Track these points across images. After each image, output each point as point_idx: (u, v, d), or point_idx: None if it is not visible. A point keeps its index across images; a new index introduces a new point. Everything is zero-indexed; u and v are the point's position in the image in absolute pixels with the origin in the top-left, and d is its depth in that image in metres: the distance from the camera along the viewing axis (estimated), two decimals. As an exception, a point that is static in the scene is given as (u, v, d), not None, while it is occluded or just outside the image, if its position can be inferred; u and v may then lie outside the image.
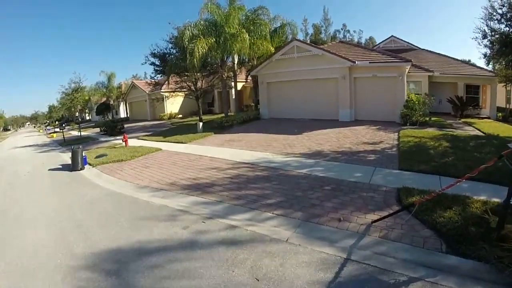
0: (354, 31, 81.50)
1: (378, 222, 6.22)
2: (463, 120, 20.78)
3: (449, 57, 28.39)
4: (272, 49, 25.01)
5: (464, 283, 4.65)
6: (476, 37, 18.00)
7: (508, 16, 16.36)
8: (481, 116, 23.60)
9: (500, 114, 24.43)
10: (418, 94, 20.74)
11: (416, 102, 18.46)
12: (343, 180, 8.93)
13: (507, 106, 26.91)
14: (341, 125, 18.84)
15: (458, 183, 5.83)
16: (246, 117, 24.52)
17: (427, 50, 30.41)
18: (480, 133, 15.62)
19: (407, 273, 4.80)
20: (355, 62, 20.19)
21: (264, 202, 7.75)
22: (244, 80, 35.42)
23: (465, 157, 10.30)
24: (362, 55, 21.88)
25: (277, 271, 4.93)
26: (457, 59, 28.16)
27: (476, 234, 5.70)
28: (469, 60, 30.92)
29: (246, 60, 29.44)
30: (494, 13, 16.82)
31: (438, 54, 29.24)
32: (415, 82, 24.02)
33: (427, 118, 18.38)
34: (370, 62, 20.23)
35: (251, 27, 24.99)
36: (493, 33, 17.25)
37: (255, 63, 27.51)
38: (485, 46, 17.94)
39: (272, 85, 24.90)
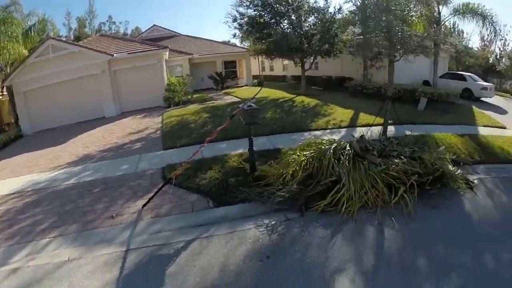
0: (120, 23, 77.65)
1: (148, 205, 6.37)
2: (224, 91, 23.61)
3: (208, 39, 31.34)
4: (25, 52, 21.64)
5: (236, 224, 5.32)
6: (227, 21, 20.83)
7: (255, 2, 19.56)
8: (240, 85, 27.71)
9: (255, 80, 29.39)
10: (178, 76, 22.23)
11: (177, 84, 19.84)
12: (111, 177, 8.69)
13: (261, 74, 33.28)
14: (107, 121, 18.18)
15: (202, 148, 6.52)
16: (7, 139, 20.36)
17: (188, 36, 32.59)
18: (237, 99, 17.83)
19: (183, 238, 5.12)
20: (113, 55, 19.60)
21: (38, 229, 6.82)
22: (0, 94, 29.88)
23: (222, 122, 11.36)
24: (121, 47, 21.44)
25: (66, 293, 4.56)
26: (215, 41, 31.45)
27: (236, 182, 6.52)
28: (229, 41, 35.32)
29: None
30: (244, 0, 19.79)
31: (198, 38, 31.90)
32: (178, 66, 25.54)
33: (190, 96, 20.00)
34: (128, 53, 20.10)
35: (1, 28, 20.90)
36: (242, 17, 20.26)
37: (8, 71, 23.27)
38: (235, 27, 20.88)
39: (30, 93, 21.26)
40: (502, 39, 36.53)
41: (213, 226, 5.33)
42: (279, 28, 19.89)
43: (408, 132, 9.47)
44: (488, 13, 17.40)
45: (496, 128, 13.06)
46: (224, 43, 33.20)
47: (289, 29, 20.03)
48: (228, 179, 6.63)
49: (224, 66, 28.19)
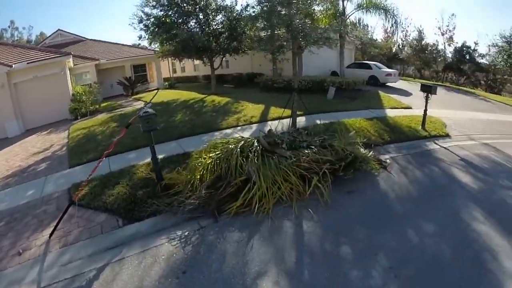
0: (24, 28, 71.41)
1: (55, 234, 5.70)
2: (134, 97, 22.50)
3: (116, 43, 29.71)
4: None
5: (148, 241, 4.95)
6: (133, 23, 19.76)
7: (161, 1, 18.86)
8: (150, 89, 26.52)
9: (167, 83, 28.41)
10: (84, 84, 20.64)
11: (83, 93, 18.37)
12: (16, 207, 7.65)
13: (172, 75, 32.83)
14: (11, 142, 16.14)
15: (100, 163, 5.98)
16: None
17: (95, 40, 30.53)
18: (147, 104, 16.96)
19: (94, 266, 4.67)
20: (12, 66, 17.37)
21: None
22: None
23: (130, 131, 10.74)
24: (21, 56, 19.14)
25: None
26: (124, 44, 29.89)
27: (145, 195, 6.08)
28: (139, 44, 33.69)
29: None
30: (150, 0, 18.95)
31: (105, 42, 30.05)
32: (85, 73, 23.67)
33: (98, 106, 18.66)
34: (28, 63, 17.90)
35: None
36: (148, 18, 19.33)
37: None
38: (141, 29, 19.84)
39: None
40: (404, 31, 40.95)
41: (124, 247, 4.92)
42: (186, 27, 19.52)
43: (318, 121, 9.64)
44: (390, 7, 18.58)
45: (403, 109, 13.97)
46: (134, 46, 31.70)
47: (197, 29, 19.85)
48: (137, 192, 6.12)
49: (133, 70, 26.97)
